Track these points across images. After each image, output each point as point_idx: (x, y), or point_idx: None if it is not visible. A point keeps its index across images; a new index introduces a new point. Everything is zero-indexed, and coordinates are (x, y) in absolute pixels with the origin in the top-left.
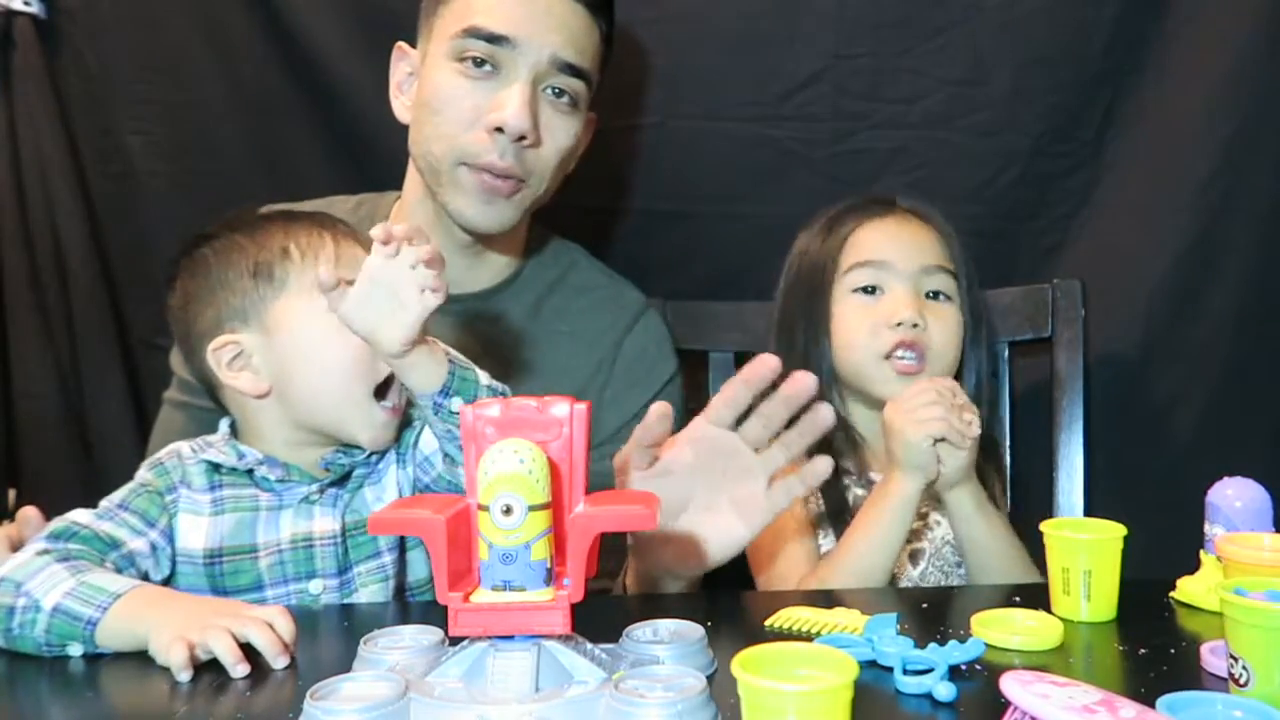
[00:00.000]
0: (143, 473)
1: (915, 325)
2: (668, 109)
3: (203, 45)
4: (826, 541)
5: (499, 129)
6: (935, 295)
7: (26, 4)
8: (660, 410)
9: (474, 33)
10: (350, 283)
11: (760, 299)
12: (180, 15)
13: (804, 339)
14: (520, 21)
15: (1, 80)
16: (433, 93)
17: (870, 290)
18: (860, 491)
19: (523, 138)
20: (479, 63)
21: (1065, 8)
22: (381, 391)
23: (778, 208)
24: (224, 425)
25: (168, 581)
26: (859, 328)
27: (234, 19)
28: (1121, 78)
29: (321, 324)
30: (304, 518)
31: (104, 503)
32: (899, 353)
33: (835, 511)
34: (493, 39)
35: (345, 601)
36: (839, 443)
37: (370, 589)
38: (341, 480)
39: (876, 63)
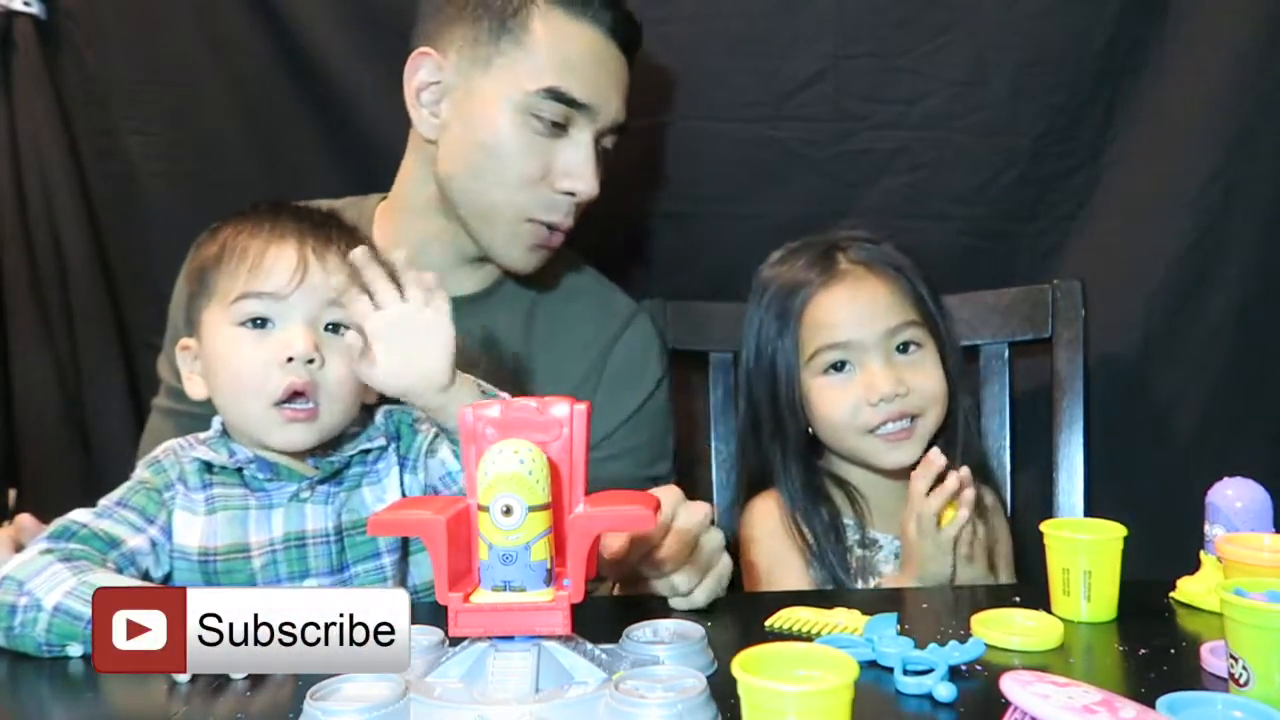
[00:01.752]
0: (140, 470)
1: (898, 395)
2: (669, 110)
3: (203, 45)
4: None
5: (570, 193)
6: (905, 348)
7: (27, 4)
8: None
9: (556, 95)
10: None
11: None
12: (180, 16)
13: (774, 426)
14: (600, 87)
15: (2, 81)
16: (495, 139)
17: (840, 367)
18: (861, 553)
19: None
20: (552, 123)
21: (1065, 8)
22: (293, 398)
23: (779, 208)
24: (216, 422)
25: (168, 578)
26: (839, 408)
27: (234, 19)
28: (1121, 78)
29: (223, 337)
30: (296, 516)
31: (103, 501)
32: (886, 426)
33: (841, 574)
34: (574, 104)
35: None
36: (839, 500)
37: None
38: (332, 477)
39: (877, 63)
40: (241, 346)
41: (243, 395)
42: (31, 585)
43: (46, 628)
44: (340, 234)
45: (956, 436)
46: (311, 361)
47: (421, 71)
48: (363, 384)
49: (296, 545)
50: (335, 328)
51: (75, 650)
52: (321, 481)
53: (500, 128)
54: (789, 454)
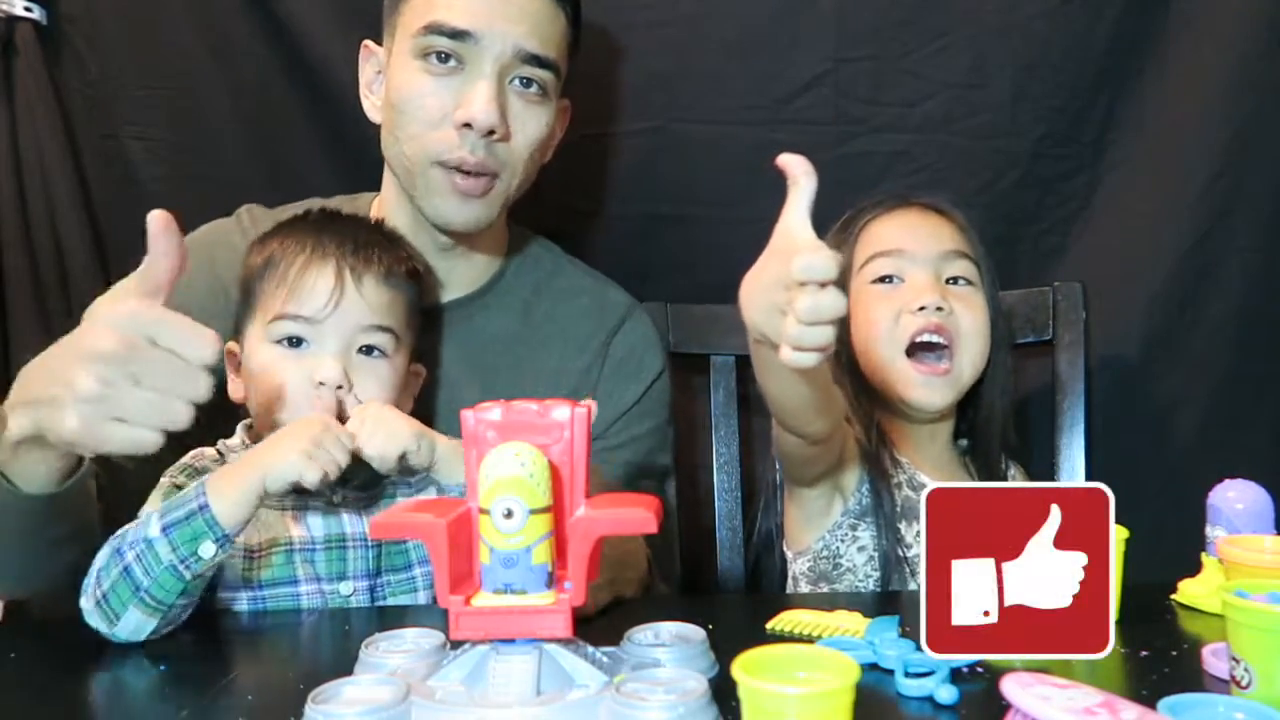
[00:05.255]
0: (174, 478)
1: (940, 309)
2: (669, 113)
3: (203, 50)
4: (864, 534)
5: (467, 125)
6: (957, 281)
7: (28, 10)
8: None
9: (435, 29)
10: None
11: None
12: (181, 20)
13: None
14: (481, 14)
15: (3, 86)
16: (398, 93)
17: (889, 279)
18: (910, 494)
19: (491, 132)
20: (442, 59)
21: (1065, 11)
22: None
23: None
24: (241, 429)
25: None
26: (880, 318)
27: (235, 23)
28: (1122, 80)
29: (262, 353)
30: (334, 521)
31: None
32: (921, 355)
33: (878, 507)
34: (454, 34)
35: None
36: (880, 446)
37: (398, 600)
38: (364, 487)
39: (877, 66)
40: (278, 364)
41: (277, 412)
42: (127, 542)
43: (169, 548)
44: (384, 251)
45: (994, 410)
46: (340, 387)
47: (367, 65)
48: (395, 403)
49: (338, 546)
50: (369, 350)
51: (208, 550)
52: (359, 487)
53: (402, 80)
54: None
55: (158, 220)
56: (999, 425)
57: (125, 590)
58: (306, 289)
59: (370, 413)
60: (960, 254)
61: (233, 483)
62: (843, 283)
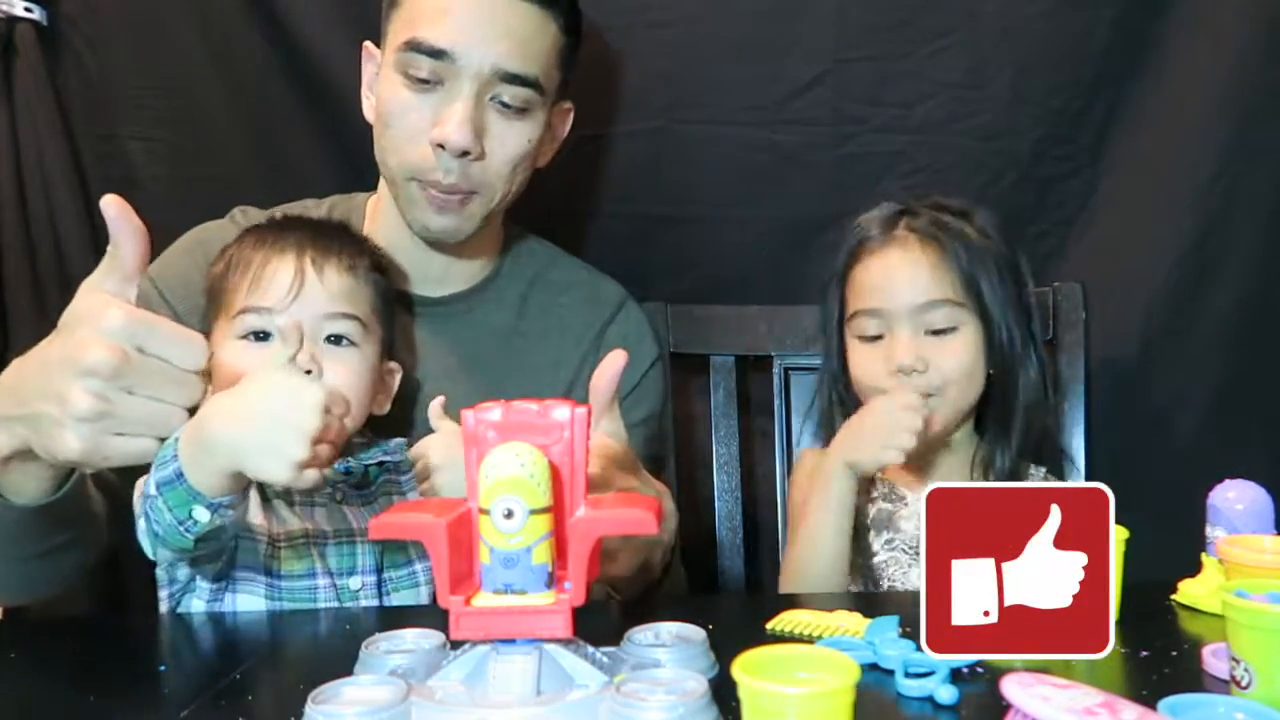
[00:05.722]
0: None
1: (916, 370)
2: (668, 113)
3: (203, 50)
4: None
5: (441, 145)
6: (938, 331)
7: (28, 10)
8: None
9: (415, 46)
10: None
11: (761, 303)
12: (181, 21)
13: (827, 369)
14: (459, 34)
15: (3, 86)
16: (383, 105)
17: (874, 337)
18: (884, 505)
19: (465, 153)
20: (422, 78)
21: (1065, 11)
22: None
23: (778, 212)
24: None
25: (234, 550)
26: (870, 371)
27: (235, 24)
28: (1121, 80)
29: (227, 349)
30: (338, 516)
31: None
32: None
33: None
34: (433, 53)
35: (380, 603)
36: None
37: (401, 594)
38: (362, 484)
39: (876, 67)
40: (242, 359)
41: None
42: (139, 495)
43: (167, 508)
44: (345, 243)
45: (1012, 423)
46: (309, 373)
47: (367, 66)
48: (369, 395)
49: (347, 541)
50: (337, 339)
51: (202, 515)
52: (355, 486)
53: (386, 92)
54: (840, 398)
55: (114, 204)
56: (1016, 437)
57: (149, 533)
58: (267, 280)
59: (445, 452)
60: (939, 302)
61: (203, 463)
62: (835, 326)
